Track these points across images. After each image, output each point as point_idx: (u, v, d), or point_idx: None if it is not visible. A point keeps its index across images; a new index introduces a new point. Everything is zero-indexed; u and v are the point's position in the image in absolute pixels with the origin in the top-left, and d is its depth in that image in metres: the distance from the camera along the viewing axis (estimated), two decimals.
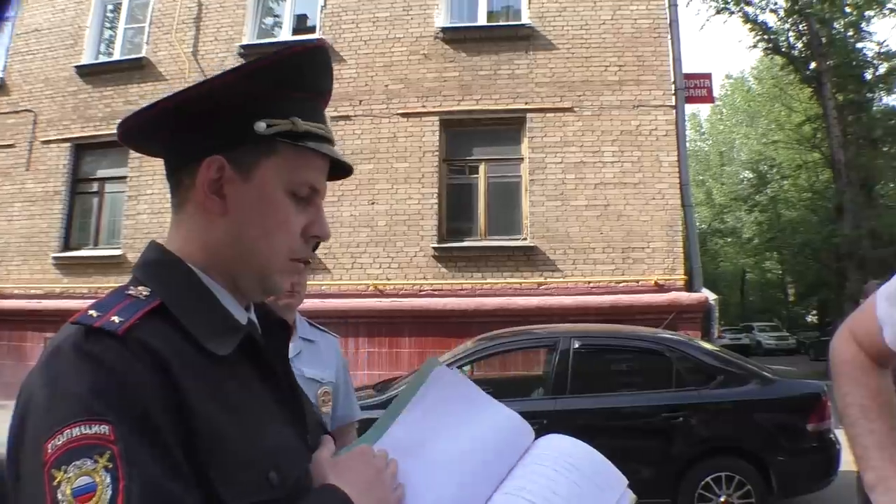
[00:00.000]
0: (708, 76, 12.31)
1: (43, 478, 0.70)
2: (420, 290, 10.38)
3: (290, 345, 2.28)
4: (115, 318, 0.80)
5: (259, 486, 0.81)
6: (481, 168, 10.92)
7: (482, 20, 11.39)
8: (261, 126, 0.89)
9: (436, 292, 10.37)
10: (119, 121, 0.97)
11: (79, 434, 0.71)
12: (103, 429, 0.71)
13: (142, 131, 0.97)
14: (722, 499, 5.46)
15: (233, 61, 11.68)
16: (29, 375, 0.80)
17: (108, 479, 0.69)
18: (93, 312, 0.81)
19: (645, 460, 5.50)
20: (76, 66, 12.72)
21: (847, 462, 5.43)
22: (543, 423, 5.43)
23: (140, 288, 0.88)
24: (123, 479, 0.69)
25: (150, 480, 0.70)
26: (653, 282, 10.07)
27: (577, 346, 5.89)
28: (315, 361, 2.35)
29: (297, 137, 0.91)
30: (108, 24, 13.24)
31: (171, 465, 0.74)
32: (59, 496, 0.68)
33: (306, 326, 2.45)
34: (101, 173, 12.74)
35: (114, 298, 0.85)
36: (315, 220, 0.97)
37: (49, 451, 0.71)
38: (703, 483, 5.49)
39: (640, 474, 5.43)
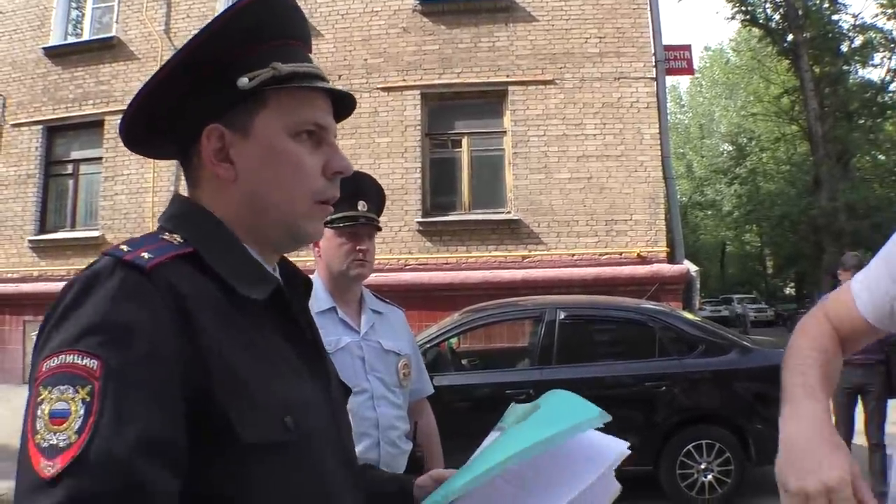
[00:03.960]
0: (687, 48, 12.30)
1: (34, 390, 0.73)
2: (405, 265, 10.43)
3: (362, 317, 2.22)
4: (145, 254, 0.81)
5: (275, 426, 0.83)
6: (464, 142, 10.89)
7: None
8: (243, 81, 0.89)
9: (421, 266, 10.41)
10: (119, 131, 0.99)
11: (69, 361, 0.72)
12: (92, 363, 0.72)
13: (138, 132, 0.97)
14: (702, 466, 5.55)
15: None
16: (62, 291, 0.80)
17: (82, 412, 0.70)
18: (124, 247, 0.82)
19: (628, 429, 5.54)
20: (44, 48, 12.49)
21: None
22: (530, 393, 5.48)
23: (174, 234, 0.88)
24: (94, 416, 0.70)
25: (121, 420, 0.71)
26: (635, 254, 10.14)
27: (562, 317, 5.91)
28: (389, 333, 2.28)
29: (283, 81, 0.91)
30: (75, 5, 12.97)
31: (158, 408, 0.74)
32: (39, 412, 0.71)
33: (373, 298, 2.36)
34: (75, 155, 12.60)
35: (147, 239, 0.86)
36: (332, 157, 0.96)
37: (43, 369, 0.73)
38: (684, 451, 5.57)
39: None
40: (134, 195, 11.67)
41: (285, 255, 1.04)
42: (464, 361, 6.83)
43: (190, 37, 0.90)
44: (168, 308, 0.78)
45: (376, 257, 2.43)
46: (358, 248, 2.18)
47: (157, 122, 0.94)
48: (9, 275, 12.17)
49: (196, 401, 0.77)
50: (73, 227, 12.35)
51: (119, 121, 0.96)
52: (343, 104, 1.01)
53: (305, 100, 0.93)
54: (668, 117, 11.56)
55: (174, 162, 11.11)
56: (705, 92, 41.00)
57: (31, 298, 11.70)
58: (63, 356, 0.72)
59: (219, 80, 0.90)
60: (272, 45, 0.92)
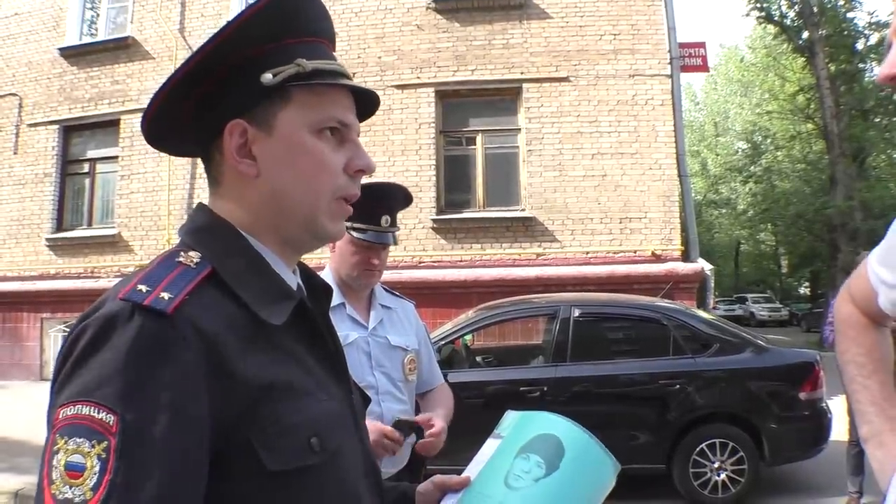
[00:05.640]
0: (702, 45, 12.25)
1: (50, 437, 0.72)
2: (419, 262, 10.43)
3: (371, 313, 2.24)
4: (165, 295, 0.77)
5: (300, 451, 0.83)
6: (478, 139, 10.88)
7: None
8: (267, 77, 0.88)
9: (435, 264, 10.42)
10: (140, 128, 0.98)
11: (86, 413, 0.71)
12: (109, 418, 0.70)
13: (161, 128, 0.97)
14: (715, 465, 5.53)
15: None
16: (77, 331, 0.78)
17: (98, 468, 0.69)
18: (141, 287, 0.78)
19: (641, 427, 5.58)
20: (59, 48, 12.60)
21: (838, 431, 5.52)
22: (544, 390, 5.50)
23: (191, 254, 0.86)
24: (110, 473, 0.69)
25: (136, 482, 0.69)
26: (650, 252, 10.10)
27: (576, 314, 5.91)
28: (398, 328, 2.31)
29: (307, 78, 0.90)
30: (89, 5, 13.03)
31: (174, 467, 0.72)
32: (55, 462, 0.70)
33: (384, 293, 2.38)
34: (91, 154, 12.70)
35: (163, 268, 0.83)
36: (354, 155, 0.95)
37: (60, 416, 0.72)
38: (697, 449, 5.55)
39: (636, 440, 5.52)
40: (150, 193, 11.73)
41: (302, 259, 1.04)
42: (478, 359, 6.84)
43: (205, 35, 0.90)
44: (193, 350, 0.75)
45: (391, 254, 2.44)
46: (372, 260, 2.22)
47: (180, 119, 0.94)
48: (27, 273, 12.30)
49: (222, 434, 0.77)
50: (89, 225, 12.45)
51: (140, 117, 0.95)
52: (366, 103, 1.01)
53: (329, 97, 0.93)
54: (683, 115, 11.48)
55: (190, 160, 11.23)
56: (720, 89, 40.71)
57: (49, 296, 11.83)
58: (80, 406, 0.71)
59: (242, 76, 0.89)
60: (296, 42, 0.92)
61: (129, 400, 0.71)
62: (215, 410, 0.76)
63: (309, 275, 1.05)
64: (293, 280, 0.96)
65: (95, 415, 0.70)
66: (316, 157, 0.91)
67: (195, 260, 0.85)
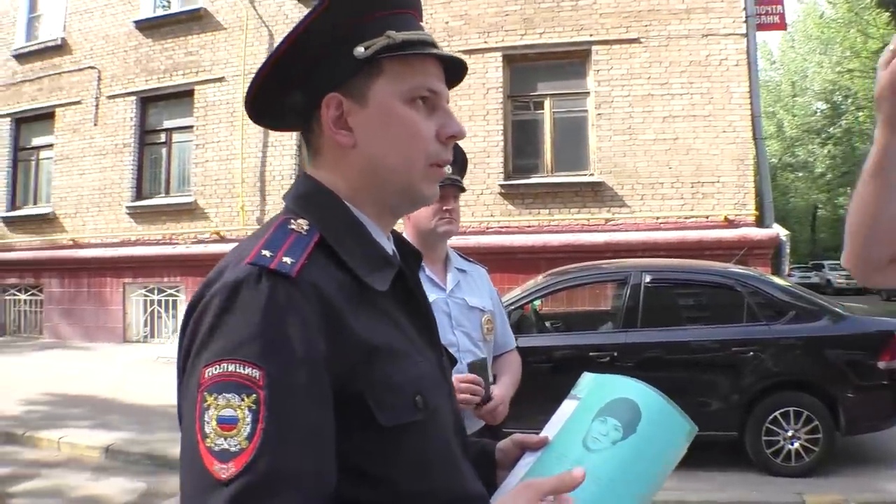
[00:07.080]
0: (779, 1, 11.74)
1: (197, 396, 0.78)
2: (487, 228, 10.45)
3: (448, 275, 2.34)
4: (287, 259, 0.84)
5: (407, 408, 0.88)
6: (546, 103, 10.73)
7: None
8: (359, 50, 0.93)
9: (503, 230, 10.42)
10: (245, 108, 1.04)
11: (232, 371, 0.77)
12: (255, 373, 0.76)
13: (262, 106, 1.02)
14: (789, 433, 5.43)
15: (292, 6, 11.67)
16: (206, 296, 0.84)
17: (250, 419, 0.75)
18: (266, 252, 0.84)
19: (713, 394, 5.50)
20: (135, 21, 13.01)
21: None
22: (614, 356, 5.49)
23: (300, 221, 0.92)
24: (262, 423, 0.75)
25: (286, 428, 0.76)
26: (722, 217, 9.85)
27: (647, 280, 5.84)
28: (473, 291, 2.40)
29: (397, 49, 0.93)
30: None
31: (317, 411, 0.80)
32: (207, 418, 0.76)
33: (458, 258, 2.48)
34: (167, 124, 13.10)
35: (280, 235, 0.89)
36: (446, 122, 0.99)
37: (206, 376, 0.78)
38: (770, 417, 5.45)
39: (708, 407, 5.46)
40: (224, 161, 12.05)
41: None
42: (547, 324, 6.85)
43: (275, 6, 0.94)
44: (315, 312, 0.82)
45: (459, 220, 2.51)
46: (444, 207, 2.28)
47: (280, 96, 0.98)
48: (109, 240, 12.85)
49: (339, 392, 0.82)
50: (167, 193, 12.90)
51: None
52: (455, 70, 1.03)
53: (419, 66, 0.96)
54: (759, 75, 11.07)
55: (261, 129, 11.43)
56: (798, 48, 38.83)
57: (130, 262, 12.37)
58: (225, 364, 0.77)
59: (336, 51, 0.93)
60: (386, 15, 0.95)
61: (271, 356, 0.77)
62: (333, 366, 0.82)
63: (401, 241, 1.10)
64: (389, 246, 1.01)
65: (242, 371, 0.76)
66: (409, 125, 0.95)
67: (305, 227, 0.91)
